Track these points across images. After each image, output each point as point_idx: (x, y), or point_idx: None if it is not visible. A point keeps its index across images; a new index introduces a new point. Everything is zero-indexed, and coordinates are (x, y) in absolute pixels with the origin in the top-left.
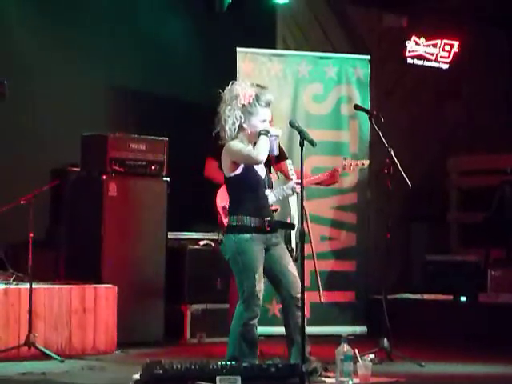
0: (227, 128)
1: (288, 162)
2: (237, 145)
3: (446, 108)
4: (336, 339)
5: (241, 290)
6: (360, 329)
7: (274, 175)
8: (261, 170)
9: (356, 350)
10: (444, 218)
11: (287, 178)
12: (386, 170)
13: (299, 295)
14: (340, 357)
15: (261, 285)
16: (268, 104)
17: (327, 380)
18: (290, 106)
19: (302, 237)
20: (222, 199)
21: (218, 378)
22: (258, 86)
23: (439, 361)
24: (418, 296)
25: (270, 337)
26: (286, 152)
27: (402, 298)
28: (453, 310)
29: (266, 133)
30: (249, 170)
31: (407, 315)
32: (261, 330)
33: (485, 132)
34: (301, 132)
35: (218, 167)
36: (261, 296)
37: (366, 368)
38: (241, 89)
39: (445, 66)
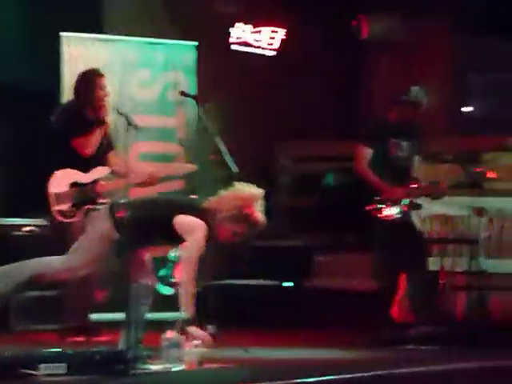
0: None
1: None
2: None
3: (275, 95)
4: (162, 325)
5: None
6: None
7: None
8: None
9: (182, 336)
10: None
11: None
12: (213, 157)
13: None
14: (165, 343)
15: None
16: None
17: (152, 367)
18: (117, 92)
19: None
20: (55, 186)
21: (42, 366)
22: None
23: (264, 345)
24: (242, 281)
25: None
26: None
27: (226, 284)
28: (277, 295)
29: None
30: None
31: (232, 301)
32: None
33: (314, 119)
34: (125, 117)
35: None
36: None
37: (192, 354)
38: None
39: (271, 53)
